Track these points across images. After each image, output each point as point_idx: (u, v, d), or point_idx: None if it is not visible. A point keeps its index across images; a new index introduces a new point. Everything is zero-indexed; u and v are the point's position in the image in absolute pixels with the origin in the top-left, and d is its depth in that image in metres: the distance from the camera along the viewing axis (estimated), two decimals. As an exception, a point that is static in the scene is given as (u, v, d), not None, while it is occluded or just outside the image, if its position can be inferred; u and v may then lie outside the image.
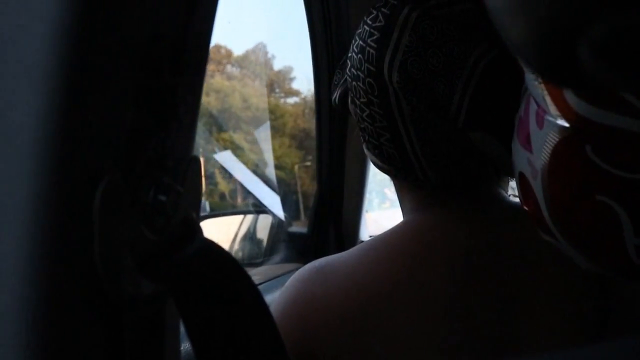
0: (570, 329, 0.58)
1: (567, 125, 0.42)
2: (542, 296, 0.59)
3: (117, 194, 0.31)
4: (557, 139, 0.43)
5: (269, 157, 1.98)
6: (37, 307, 0.29)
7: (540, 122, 0.45)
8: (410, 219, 0.68)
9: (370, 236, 1.63)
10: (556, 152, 0.44)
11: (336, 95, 0.75)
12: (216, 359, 0.36)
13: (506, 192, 0.71)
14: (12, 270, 0.28)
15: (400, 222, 0.68)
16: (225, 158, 2.05)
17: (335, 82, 0.76)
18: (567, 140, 0.43)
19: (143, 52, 0.33)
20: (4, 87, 0.29)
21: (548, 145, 0.44)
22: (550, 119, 0.43)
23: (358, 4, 1.30)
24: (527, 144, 0.47)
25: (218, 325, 0.36)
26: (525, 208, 0.50)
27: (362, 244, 0.69)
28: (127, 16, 0.31)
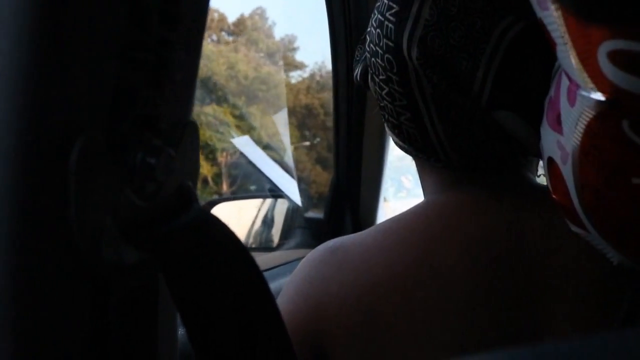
0: (594, 320, 0.55)
1: (602, 98, 0.38)
2: (566, 285, 0.56)
3: (97, 153, 0.28)
4: (590, 115, 0.40)
5: (287, 141, 1.96)
6: (10, 279, 0.26)
7: (573, 98, 0.42)
8: (430, 200, 0.65)
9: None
10: (589, 130, 0.40)
11: (357, 71, 0.71)
12: (211, 342, 0.33)
13: (534, 174, 0.67)
14: None
15: (420, 203, 0.66)
16: (243, 143, 2.03)
17: (357, 58, 0.73)
18: (601, 116, 0.39)
19: (131, 2, 0.30)
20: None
21: (581, 123, 0.41)
22: (584, 93, 0.40)
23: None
24: (557, 125, 0.44)
25: (212, 305, 0.33)
26: (554, 197, 0.47)
27: (378, 224, 0.66)
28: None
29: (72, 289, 0.29)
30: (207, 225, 0.35)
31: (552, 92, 0.47)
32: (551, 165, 0.46)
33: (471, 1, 0.57)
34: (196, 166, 0.38)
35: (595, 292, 0.55)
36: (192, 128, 0.37)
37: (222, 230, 0.36)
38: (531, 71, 0.56)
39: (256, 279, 0.36)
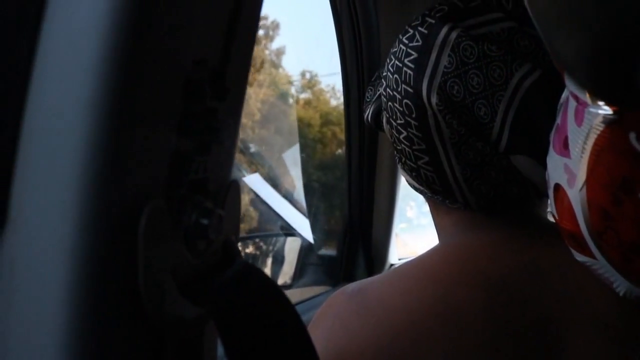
0: (610, 358, 0.55)
1: (609, 112, 0.39)
2: (583, 324, 0.56)
3: (161, 219, 0.31)
4: (598, 130, 0.40)
5: (298, 179, 1.99)
6: (82, 330, 0.29)
7: (580, 117, 0.42)
8: (447, 243, 0.66)
9: (400, 259, 1.62)
10: (597, 146, 0.41)
11: (369, 112, 0.73)
12: None
13: (545, 214, 0.69)
14: (59, 293, 0.29)
15: (436, 246, 0.66)
16: (254, 181, 2.06)
17: (368, 99, 0.74)
18: (609, 129, 0.40)
19: (186, 77, 0.33)
20: (53, 114, 0.29)
21: (589, 141, 0.41)
22: (592, 109, 0.40)
23: (387, 17, 1.29)
24: (564, 149, 0.45)
25: (257, 350, 0.36)
26: (560, 225, 0.48)
27: (395, 268, 0.67)
28: (171, 41, 0.32)
29: (135, 342, 0.31)
30: (251, 276, 0.38)
31: (558, 120, 0.48)
32: (558, 192, 0.47)
33: (489, 49, 0.58)
34: (238, 222, 0.41)
35: (612, 331, 0.56)
36: (235, 187, 0.40)
37: (262, 278, 0.39)
38: (547, 117, 0.57)
39: (296, 324, 0.39)
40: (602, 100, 0.36)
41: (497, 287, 0.58)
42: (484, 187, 0.62)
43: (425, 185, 0.66)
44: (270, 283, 0.39)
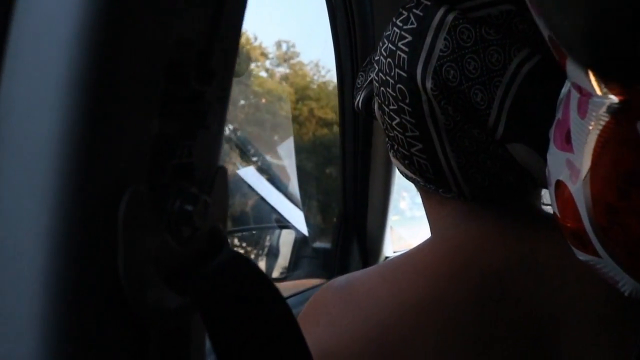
0: (609, 357, 0.54)
1: (615, 100, 0.37)
2: (581, 319, 0.55)
3: (143, 204, 0.30)
4: (603, 121, 0.38)
5: (293, 171, 1.98)
6: (60, 318, 0.28)
7: (584, 109, 0.41)
8: (439, 236, 0.64)
9: (395, 252, 1.61)
10: (602, 138, 0.39)
11: (359, 99, 0.70)
12: None
13: (540, 204, 0.67)
14: (35, 280, 0.27)
15: (428, 239, 0.65)
16: (248, 174, 2.05)
17: (358, 85, 0.72)
18: (615, 119, 0.38)
19: (169, 58, 0.32)
20: (27, 94, 0.28)
21: (593, 132, 0.39)
22: (596, 99, 0.39)
23: (381, 3, 1.28)
24: (566, 143, 0.43)
25: (246, 341, 0.35)
26: (562, 223, 0.46)
27: (386, 261, 0.65)
28: (153, 21, 0.30)
29: (116, 332, 0.30)
30: (238, 265, 0.37)
31: (559, 114, 0.46)
32: (559, 188, 0.45)
33: (487, 33, 0.56)
34: (226, 209, 0.39)
35: (610, 328, 0.54)
36: (222, 173, 0.38)
37: (250, 267, 0.38)
38: (545, 104, 0.54)
39: (285, 314, 0.38)
40: (606, 77, 0.35)
41: (491, 282, 0.56)
42: (479, 176, 0.60)
43: (418, 173, 0.64)
44: (259, 273, 0.37)
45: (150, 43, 0.31)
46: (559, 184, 0.45)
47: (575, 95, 0.42)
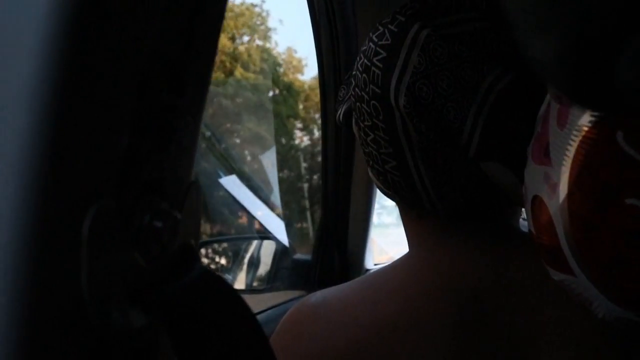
0: None
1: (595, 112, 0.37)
2: (556, 343, 0.54)
3: (109, 219, 0.29)
4: (584, 132, 0.38)
5: (274, 181, 1.97)
6: (17, 339, 0.27)
7: (564, 120, 0.40)
8: (415, 253, 0.64)
9: (376, 264, 1.61)
10: (582, 148, 0.38)
11: (340, 112, 0.69)
12: None
13: (518, 223, 0.67)
14: None
15: (405, 255, 0.64)
16: (230, 182, 2.04)
17: (340, 98, 0.71)
18: (595, 129, 0.37)
19: (141, 70, 0.31)
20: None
21: (573, 143, 0.38)
22: (577, 109, 0.38)
23: (365, 15, 1.28)
24: (545, 157, 0.43)
25: None
26: (537, 240, 0.45)
27: (362, 277, 0.65)
28: (125, 31, 0.30)
29: (78, 354, 0.29)
30: (209, 284, 0.36)
31: (538, 128, 0.46)
32: (536, 204, 0.44)
33: (460, 50, 0.56)
34: (198, 225, 0.39)
35: (591, 352, 0.53)
36: (195, 188, 0.38)
37: (221, 286, 0.37)
38: (519, 122, 0.55)
39: (255, 332, 0.37)
40: (581, 105, 0.35)
41: (467, 301, 0.55)
42: (452, 194, 0.60)
43: (393, 190, 0.63)
44: (229, 290, 0.37)
45: (121, 55, 0.30)
46: (536, 200, 0.44)
47: (554, 106, 0.42)
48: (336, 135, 1.39)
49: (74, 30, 0.27)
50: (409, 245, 0.68)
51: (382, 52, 0.59)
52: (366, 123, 0.61)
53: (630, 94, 0.20)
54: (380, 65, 0.59)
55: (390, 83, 0.58)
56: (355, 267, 1.52)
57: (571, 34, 0.20)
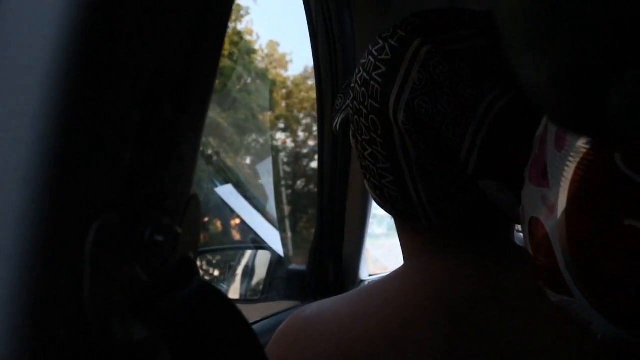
0: None
1: None
2: (549, 356, 0.53)
3: (112, 233, 0.29)
4: (582, 152, 0.38)
5: (270, 191, 1.97)
6: (18, 351, 0.27)
7: (562, 142, 0.40)
8: (410, 266, 0.64)
9: (370, 275, 1.61)
10: (580, 170, 0.38)
11: (337, 121, 0.69)
12: None
13: (513, 237, 0.67)
14: None
15: (400, 268, 0.64)
16: (226, 192, 2.04)
17: (337, 107, 0.71)
18: (593, 151, 0.37)
19: (144, 87, 0.32)
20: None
21: (571, 165, 0.39)
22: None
23: (363, 27, 1.29)
24: (542, 178, 0.43)
25: None
26: (535, 262, 0.45)
27: (357, 290, 0.64)
28: (129, 49, 0.30)
29: (80, 365, 0.30)
30: (208, 296, 0.37)
31: (535, 150, 0.46)
32: (533, 225, 0.44)
33: (460, 67, 0.55)
34: (197, 238, 0.39)
35: None
36: (194, 202, 0.38)
37: (219, 298, 0.37)
38: (518, 142, 0.55)
39: (253, 345, 0.37)
40: (570, 131, 0.35)
41: (462, 317, 0.55)
42: (449, 210, 0.60)
43: (389, 204, 0.63)
44: (228, 303, 0.37)
45: (126, 71, 0.31)
46: (533, 221, 0.44)
47: (552, 129, 0.42)
48: (332, 145, 1.40)
49: (80, 47, 0.28)
50: (404, 258, 0.68)
51: (381, 66, 0.59)
52: (364, 137, 0.61)
53: (620, 126, 0.21)
54: (380, 80, 0.58)
55: (389, 99, 0.58)
56: (350, 277, 1.52)
57: (564, 61, 0.21)
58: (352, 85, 0.64)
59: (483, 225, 0.62)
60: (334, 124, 0.70)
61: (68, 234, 0.28)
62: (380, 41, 0.61)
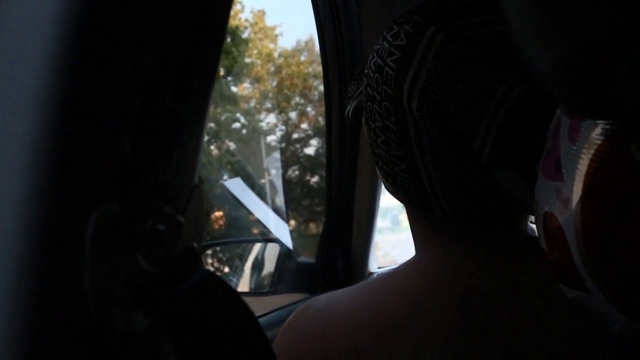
0: None
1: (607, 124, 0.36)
2: (561, 348, 0.52)
3: (112, 223, 0.29)
4: (596, 145, 0.37)
5: (279, 184, 1.98)
6: (19, 341, 0.27)
7: (575, 134, 0.39)
8: (422, 257, 0.63)
9: (379, 267, 1.61)
10: (594, 162, 0.37)
11: (349, 108, 0.68)
12: None
13: (526, 228, 0.66)
14: None
15: (412, 259, 0.64)
16: (234, 185, 2.04)
17: (349, 94, 0.70)
18: (608, 141, 0.36)
19: (145, 76, 0.32)
20: (-1, 109, 0.28)
21: (585, 157, 0.38)
22: (589, 122, 0.37)
23: (370, 12, 1.27)
24: (556, 172, 0.42)
25: None
26: (549, 258, 0.44)
27: (367, 281, 0.64)
28: (130, 38, 0.30)
29: (81, 357, 0.30)
30: (212, 286, 0.36)
31: (549, 144, 0.45)
32: (547, 220, 0.43)
33: (477, 54, 0.54)
34: (201, 228, 0.39)
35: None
36: (198, 192, 0.38)
37: (223, 288, 0.37)
38: (533, 131, 0.53)
39: (259, 339, 0.37)
40: (578, 113, 0.35)
41: (473, 308, 0.55)
42: (462, 199, 0.59)
43: (402, 192, 0.63)
44: (232, 293, 0.37)
45: (126, 61, 0.30)
46: (547, 216, 0.43)
47: (565, 121, 0.41)
48: (340, 137, 1.39)
49: (79, 36, 0.28)
50: (415, 249, 0.68)
51: (396, 52, 0.58)
52: (377, 124, 0.60)
53: (629, 106, 0.20)
54: (394, 66, 0.58)
55: (403, 85, 0.57)
56: (359, 270, 1.52)
57: (570, 44, 0.20)
58: (366, 71, 0.63)
59: (496, 215, 0.61)
60: (346, 111, 0.69)
61: (67, 225, 0.28)
62: (395, 27, 0.60)
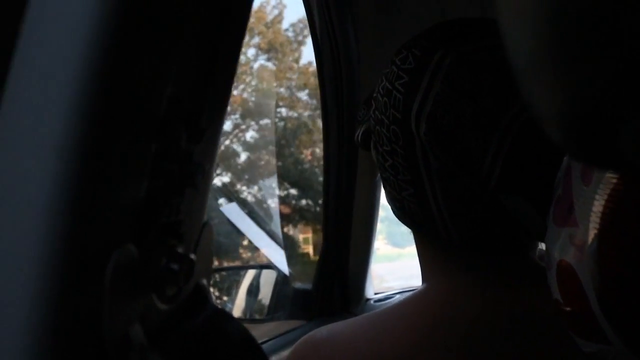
0: None
1: None
2: None
3: (130, 265, 0.30)
4: (612, 184, 0.35)
5: (275, 210, 1.98)
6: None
7: (588, 176, 0.38)
8: (428, 287, 0.62)
9: (376, 293, 1.60)
10: (610, 202, 0.35)
11: (359, 132, 0.67)
12: None
13: (535, 255, 0.65)
14: (17, 344, 0.27)
15: (419, 289, 0.62)
16: (231, 210, 2.04)
17: (359, 119, 0.69)
18: (624, 181, 0.35)
19: (160, 119, 0.33)
20: (14, 154, 0.29)
21: (600, 198, 0.36)
22: None
23: (369, 50, 1.29)
24: (569, 217, 0.40)
25: None
26: (564, 309, 0.41)
27: (370, 313, 0.63)
28: (146, 84, 0.31)
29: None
30: (222, 322, 0.37)
31: (559, 189, 0.44)
32: (562, 269, 0.41)
33: (485, 78, 0.54)
34: (210, 264, 0.40)
35: None
36: (208, 229, 0.39)
37: (234, 324, 0.38)
38: (542, 156, 0.53)
39: None
40: (581, 161, 0.35)
41: (478, 334, 0.54)
42: (470, 225, 0.58)
43: (409, 217, 0.62)
44: (241, 329, 0.38)
45: (143, 105, 0.31)
46: (562, 264, 0.41)
47: (576, 165, 0.40)
48: (338, 163, 1.40)
49: (100, 82, 0.29)
50: (422, 278, 0.67)
51: (404, 76, 0.58)
52: (385, 148, 0.60)
53: (635, 161, 0.20)
54: (402, 90, 0.57)
55: (411, 109, 0.56)
56: (356, 296, 1.52)
57: (575, 90, 0.20)
58: (375, 95, 0.63)
59: (504, 242, 0.60)
60: (356, 135, 0.69)
61: (88, 267, 0.28)
62: (403, 50, 0.60)
